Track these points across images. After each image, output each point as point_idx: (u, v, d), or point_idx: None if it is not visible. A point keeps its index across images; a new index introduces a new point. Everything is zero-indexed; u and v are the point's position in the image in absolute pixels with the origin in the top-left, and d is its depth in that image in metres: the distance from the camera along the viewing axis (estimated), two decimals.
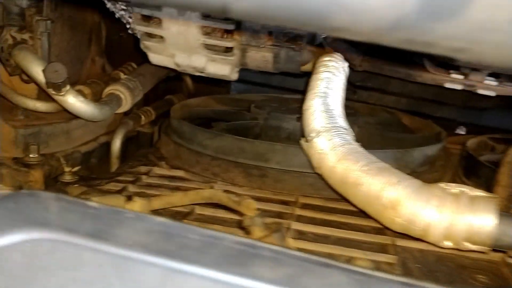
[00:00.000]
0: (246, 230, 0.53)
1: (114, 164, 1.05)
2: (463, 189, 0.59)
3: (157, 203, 0.62)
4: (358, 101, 1.37)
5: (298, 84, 1.49)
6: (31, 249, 0.36)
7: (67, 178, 0.84)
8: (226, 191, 0.56)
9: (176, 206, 0.63)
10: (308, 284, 0.29)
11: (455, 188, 0.60)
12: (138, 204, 0.50)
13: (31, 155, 0.88)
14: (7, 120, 0.91)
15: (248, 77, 1.49)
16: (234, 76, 0.89)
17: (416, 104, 1.43)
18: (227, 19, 0.80)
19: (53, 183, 0.84)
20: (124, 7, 0.93)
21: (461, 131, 1.40)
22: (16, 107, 0.94)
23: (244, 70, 1.16)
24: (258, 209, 0.58)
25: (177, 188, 0.83)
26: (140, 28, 0.82)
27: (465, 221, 0.56)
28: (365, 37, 0.33)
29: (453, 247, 0.60)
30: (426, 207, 0.59)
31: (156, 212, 0.68)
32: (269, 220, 0.57)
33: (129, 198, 0.51)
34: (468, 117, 1.41)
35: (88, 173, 1.01)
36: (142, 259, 0.33)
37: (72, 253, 0.34)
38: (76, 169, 0.86)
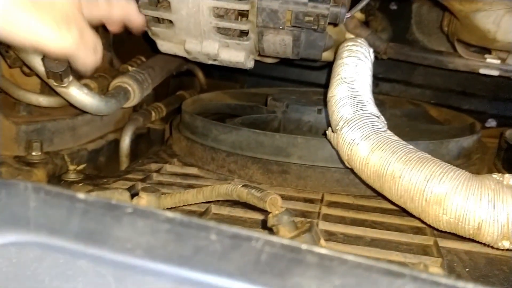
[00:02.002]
0: (271, 231, 0.46)
1: (124, 163, 0.98)
2: None
3: (168, 201, 0.54)
4: (380, 93, 1.29)
5: (317, 77, 1.42)
6: (3, 254, 0.29)
7: (72, 176, 0.77)
8: (246, 186, 0.49)
9: (189, 205, 0.56)
10: None
11: (511, 179, 0.51)
12: (144, 201, 0.43)
13: (33, 153, 0.82)
14: (9, 116, 0.84)
15: (264, 70, 1.43)
16: (250, 64, 0.81)
17: (442, 96, 1.35)
18: None
19: (56, 182, 0.77)
20: None
21: (492, 123, 1.32)
22: (18, 102, 0.88)
23: (259, 64, 1.10)
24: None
25: (190, 186, 0.76)
26: (147, 13, 0.75)
27: None
28: None
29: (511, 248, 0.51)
30: (478, 202, 0.50)
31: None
32: (297, 218, 0.50)
33: (135, 194, 0.44)
34: (499, 108, 1.32)
35: (96, 172, 0.95)
36: (147, 267, 0.25)
37: (57, 259, 0.27)
38: (81, 167, 0.79)
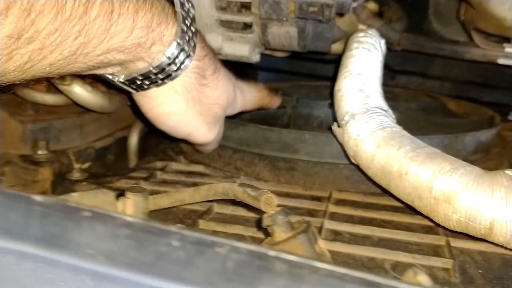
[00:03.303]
0: (266, 231, 0.44)
1: (132, 161, 0.98)
2: None
3: (165, 201, 0.53)
4: (397, 87, 1.25)
5: (330, 71, 1.38)
6: None
7: (76, 175, 0.77)
8: (242, 184, 0.47)
9: (187, 204, 0.54)
10: None
11: None
12: (131, 201, 0.41)
13: (39, 152, 0.82)
14: (15, 115, 0.84)
15: (276, 65, 1.40)
16: (255, 57, 0.79)
17: (462, 88, 1.30)
18: None
19: (60, 181, 0.77)
20: None
21: None
22: (25, 101, 0.88)
23: (271, 58, 1.07)
24: (282, 205, 0.48)
25: (195, 185, 0.74)
26: None
27: None
28: None
29: None
30: (490, 200, 0.47)
31: (166, 211, 0.59)
32: (296, 218, 0.47)
33: (121, 194, 0.42)
34: None
35: (104, 170, 0.94)
36: (107, 274, 0.24)
37: (12, 264, 0.25)
38: (86, 165, 0.79)
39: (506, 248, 0.51)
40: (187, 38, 0.58)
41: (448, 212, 0.50)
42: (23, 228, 0.25)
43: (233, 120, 0.86)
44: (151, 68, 0.57)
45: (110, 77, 0.59)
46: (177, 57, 0.57)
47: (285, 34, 0.73)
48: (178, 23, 0.57)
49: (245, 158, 0.79)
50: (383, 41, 0.84)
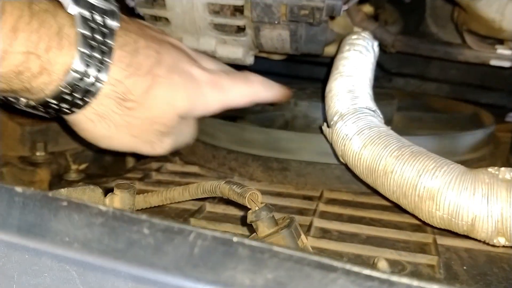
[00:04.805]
0: (251, 228, 0.45)
1: (130, 163, 0.99)
2: None
3: (155, 199, 0.54)
4: (394, 89, 1.26)
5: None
6: None
7: (73, 176, 0.78)
8: (228, 182, 0.48)
9: (177, 202, 0.56)
10: None
11: (507, 173, 0.49)
12: (118, 198, 0.42)
13: (37, 153, 0.83)
14: (14, 117, 0.86)
15: (274, 68, 1.41)
16: (249, 60, 0.80)
17: (459, 90, 1.30)
18: None
19: (57, 182, 0.78)
20: None
21: (511, 118, 1.27)
22: None
23: (269, 61, 1.08)
24: (273, 204, 0.49)
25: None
26: (144, 11, 0.76)
27: None
28: None
29: (508, 245, 0.49)
30: (471, 197, 0.48)
31: (158, 209, 0.60)
32: (281, 215, 0.49)
33: (109, 190, 0.44)
34: None
35: (102, 171, 0.95)
36: (83, 260, 0.25)
37: (23, 255, 0.27)
38: (83, 166, 0.80)
39: (489, 244, 0.51)
40: (93, 61, 0.46)
41: (432, 209, 0.51)
42: (5, 218, 0.26)
43: (226, 121, 0.87)
44: (47, 99, 0.47)
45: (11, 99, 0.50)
46: (77, 86, 0.46)
47: (277, 37, 0.74)
48: (76, 47, 0.45)
49: (239, 159, 0.81)
50: (376, 43, 0.85)
